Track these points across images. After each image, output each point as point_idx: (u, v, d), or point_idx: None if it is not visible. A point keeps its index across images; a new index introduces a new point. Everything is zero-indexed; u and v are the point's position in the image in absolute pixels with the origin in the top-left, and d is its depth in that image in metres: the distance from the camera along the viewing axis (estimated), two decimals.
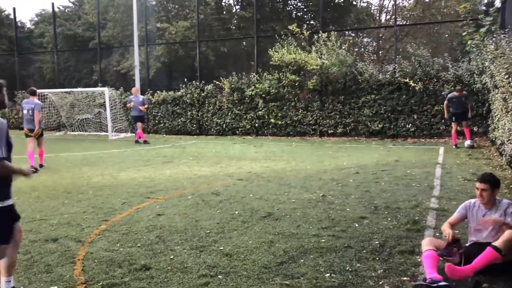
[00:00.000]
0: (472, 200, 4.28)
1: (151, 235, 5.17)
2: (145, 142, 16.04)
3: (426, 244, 3.92)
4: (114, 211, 6.32)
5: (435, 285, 3.45)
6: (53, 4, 23.99)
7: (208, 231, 5.26)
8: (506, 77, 7.65)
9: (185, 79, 19.22)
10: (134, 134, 17.92)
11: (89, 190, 7.81)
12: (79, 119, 20.95)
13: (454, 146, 12.66)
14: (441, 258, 3.81)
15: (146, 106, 16.90)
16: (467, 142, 12.63)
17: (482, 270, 3.70)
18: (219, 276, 3.95)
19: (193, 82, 19.06)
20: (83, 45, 27.08)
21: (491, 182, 4.04)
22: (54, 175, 9.40)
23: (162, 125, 19.68)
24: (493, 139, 11.14)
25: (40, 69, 28.64)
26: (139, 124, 16.33)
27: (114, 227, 5.55)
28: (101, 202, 6.88)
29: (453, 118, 12.82)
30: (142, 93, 19.35)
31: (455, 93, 12.67)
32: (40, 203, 6.94)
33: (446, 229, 4.10)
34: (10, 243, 3.33)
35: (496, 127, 10.17)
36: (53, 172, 9.81)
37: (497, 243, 3.65)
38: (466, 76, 14.05)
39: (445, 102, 12.99)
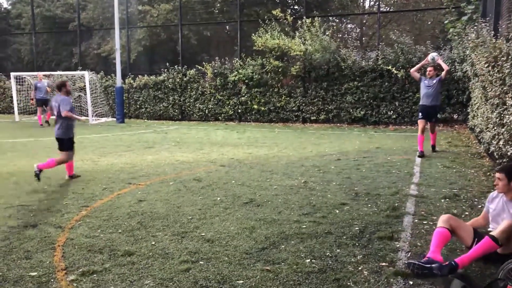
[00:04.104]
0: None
1: (133, 221, 5.15)
2: (41, 125, 16.71)
3: (442, 221, 3.85)
4: (95, 197, 6.27)
5: (428, 265, 3.44)
6: None
7: (190, 217, 5.26)
8: (486, 65, 7.74)
9: (167, 64, 19.02)
10: (114, 119, 17.94)
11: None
12: None
13: (419, 153, 9.25)
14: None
15: (50, 88, 17.46)
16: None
17: (480, 259, 3.69)
18: (201, 262, 3.96)
19: (175, 66, 18.86)
20: (63, 27, 26.43)
21: (508, 171, 3.90)
22: (33, 160, 9.23)
23: (143, 110, 19.47)
24: (472, 126, 11.32)
25: (18, 51, 27.92)
26: (41, 109, 17.02)
27: (94, 213, 5.51)
28: (82, 188, 6.80)
29: (420, 113, 9.67)
30: (123, 77, 19.14)
31: (427, 73, 9.63)
32: (19, 188, 6.83)
33: None
34: None
35: (476, 115, 10.33)
36: (32, 157, 9.65)
37: (494, 232, 3.63)
38: (448, 64, 14.19)
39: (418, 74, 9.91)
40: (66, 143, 7.50)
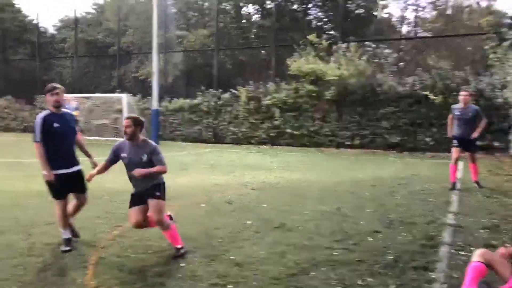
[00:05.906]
0: None
1: (163, 242, 5.16)
2: None
3: (477, 255, 3.70)
4: (127, 217, 6.33)
5: None
6: (75, 10, 24.50)
7: (220, 240, 5.24)
8: None
9: (203, 87, 19.32)
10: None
11: (104, 195, 7.85)
12: (96, 124, 21.19)
13: (451, 184, 8.40)
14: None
15: (78, 112, 17.64)
16: (474, 184, 8.58)
17: None
18: (229, 286, 3.91)
19: (210, 90, 19.15)
20: (103, 51, 27.45)
21: None
22: None
23: (178, 132, 19.79)
24: None
25: (60, 74, 29.09)
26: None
27: (127, 233, 5.57)
28: (115, 208, 6.91)
29: (455, 141, 8.61)
30: (160, 100, 19.54)
31: (460, 103, 8.54)
32: (53, 207, 6.97)
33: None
34: None
35: None
36: None
37: None
38: (488, 90, 13.81)
39: (450, 115, 8.81)
40: None
